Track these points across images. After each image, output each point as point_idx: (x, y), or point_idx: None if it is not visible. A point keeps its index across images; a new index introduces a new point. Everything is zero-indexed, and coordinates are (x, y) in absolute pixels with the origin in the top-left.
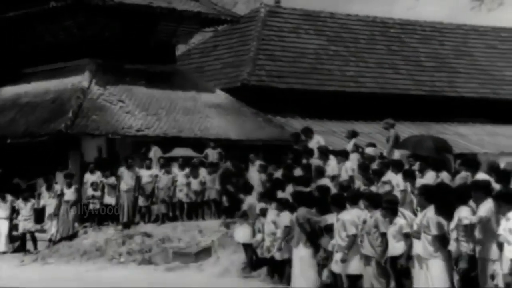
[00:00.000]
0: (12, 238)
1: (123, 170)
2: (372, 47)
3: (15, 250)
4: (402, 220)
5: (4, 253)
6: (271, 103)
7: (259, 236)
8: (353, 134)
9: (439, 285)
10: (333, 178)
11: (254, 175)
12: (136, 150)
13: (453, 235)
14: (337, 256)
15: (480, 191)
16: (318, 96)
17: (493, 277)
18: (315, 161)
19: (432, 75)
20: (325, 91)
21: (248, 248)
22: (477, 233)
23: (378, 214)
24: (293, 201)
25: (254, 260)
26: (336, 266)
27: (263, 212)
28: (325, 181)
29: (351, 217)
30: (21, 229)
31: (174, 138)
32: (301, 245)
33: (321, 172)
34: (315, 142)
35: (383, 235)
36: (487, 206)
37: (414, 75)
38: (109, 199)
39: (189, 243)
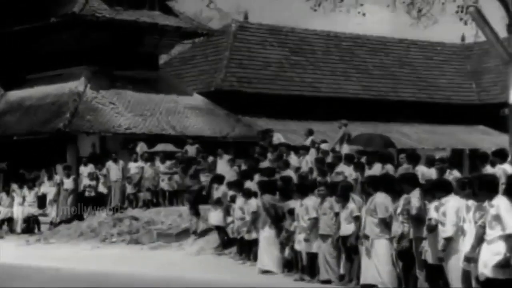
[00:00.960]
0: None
1: (110, 164)
2: (327, 57)
3: (21, 232)
4: (353, 205)
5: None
6: (241, 105)
7: (229, 219)
8: (310, 132)
9: (383, 261)
10: (297, 169)
11: (222, 167)
12: (125, 145)
13: (399, 218)
14: (300, 236)
15: (408, 183)
16: (281, 100)
17: (421, 253)
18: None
19: (378, 81)
20: (287, 95)
21: (221, 230)
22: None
23: (333, 198)
24: (259, 189)
25: (225, 240)
26: (298, 245)
27: (233, 199)
28: (289, 172)
29: (313, 203)
30: (26, 213)
31: (157, 135)
32: (267, 227)
33: (286, 164)
34: (275, 139)
35: (337, 215)
36: (417, 195)
37: (363, 81)
38: (102, 188)
39: (171, 226)
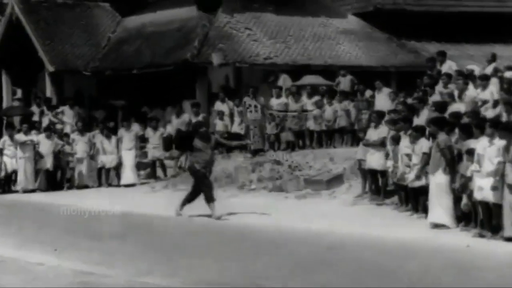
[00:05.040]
0: (142, 165)
1: (248, 100)
2: None
3: (146, 177)
4: None
5: (131, 185)
6: (405, 27)
7: (389, 163)
8: (492, 58)
9: None
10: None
11: (382, 102)
12: (265, 79)
13: None
14: (482, 182)
15: None
16: (455, 18)
17: None
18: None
19: None
20: (462, 12)
21: (382, 175)
22: None
23: None
24: (430, 127)
25: (385, 187)
26: (479, 194)
27: (396, 139)
28: (458, 106)
29: (504, 144)
30: (150, 156)
31: (303, 66)
32: (440, 171)
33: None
34: (446, 67)
35: None
36: None
37: None
38: (238, 128)
39: (320, 171)
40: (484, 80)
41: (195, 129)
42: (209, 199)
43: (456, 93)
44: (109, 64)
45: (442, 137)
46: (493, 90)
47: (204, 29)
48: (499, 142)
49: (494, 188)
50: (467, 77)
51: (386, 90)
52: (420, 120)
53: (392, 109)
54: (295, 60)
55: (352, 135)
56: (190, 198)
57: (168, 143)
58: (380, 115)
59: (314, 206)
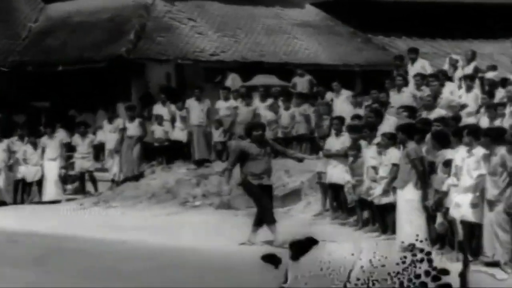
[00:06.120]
0: (69, 178)
1: (191, 102)
2: None
3: (74, 192)
4: None
5: (56, 202)
6: (372, 20)
7: (347, 177)
8: (472, 56)
9: None
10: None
11: (341, 107)
12: (211, 78)
13: None
14: (460, 198)
15: None
16: (429, 10)
17: None
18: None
19: None
20: (438, 3)
21: (344, 190)
22: None
23: (503, 150)
24: (400, 135)
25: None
26: (455, 212)
27: (358, 148)
28: (440, 112)
29: (483, 154)
30: (78, 168)
31: (255, 63)
32: (410, 186)
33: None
34: (419, 67)
35: (510, 175)
36: None
37: None
38: (180, 135)
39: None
40: (469, 80)
41: (249, 132)
42: (268, 221)
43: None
44: (31, 59)
45: (411, 146)
46: (477, 93)
47: (141, 20)
48: (479, 152)
49: (473, 205)
50: (445, 76)
51: (345, 93)
52: (385, 127)
53: (355, 115)
54: (246, 56)
55: (312, 143)
56: (259, 221)
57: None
58: (343, 121)
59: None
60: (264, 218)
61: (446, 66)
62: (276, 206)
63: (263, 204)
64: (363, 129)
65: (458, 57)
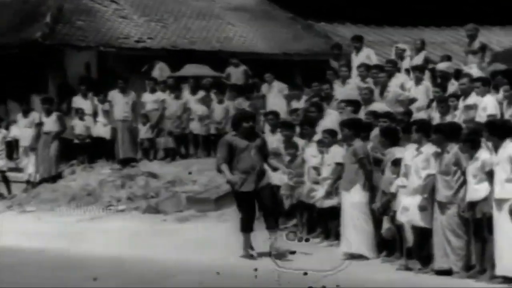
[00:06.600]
0: None
1: (114, 95)
2: None
3: None
4: (486, 154)
5: None
6: (314, 5)
7: (284, 177)
8: (421, 45)
9: None
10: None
11: (274, 100)
12: (136, 67)
13: None
14: (408, 201)
15: None
16: None
17: None
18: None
19: None
20: None
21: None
22: None
23: (456, 148)
24: (346, 131)
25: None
26: (403, 216)
27: (295, 147)
28: (379, 106)
29: (433, 152)
30: None
31: (185, 51)
32: (357, 187)
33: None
34: (364, 56)
35: (463, 172)
36: None
37: None
38: (102, 131)
39: (208, 187)
40: (418, 72)
41: (238, 123)
42: (243, 227)
43: (377, 88)
44: None
45: (358, 143)
46: (428, 85)
47: (58, 1)
48: (428, 150)
49: (421, 208)
50: (394, 67)
51: (277, 85)
52: (326, 122)
53: (293, 109)
54: (175, 44)
55: None
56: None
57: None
58: (278, 116)
59: (197, 232)
60: (240, 224)
61: (392, 57)
62: (209, 210)
63: (241, 210)
64: (303, 125)
65: (405, 46)
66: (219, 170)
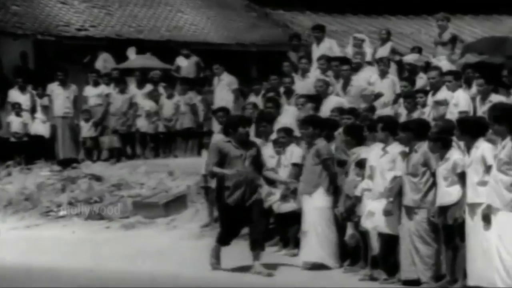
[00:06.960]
0: None
1: (54, 88)
2: None
3: None
4: (457, 155)
5: None
6: None
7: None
8: (387, 35)
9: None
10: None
11: (221, 95)
12: (77, 58)
13: None
14: (373, 205)
15: None
16: None
17: None
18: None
19: None
20: None
21: None
22: None
23: (425, 147)
24: (308, 129)
25: None
26: (368, 222)
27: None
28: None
29: (400, 151)
30: None
31: (131, 41)
32: (321, 191)
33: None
34: (325, 48)
35: (433, 174)
36: None
37: None
38: (41, 128)
39: (156, 190)
40: (383, 64)
41: (234, 127)
42: (219, 239)
43: (338, 82)
44: None
45: (322, 143)
46: (395, 80)
47: None
48: (395, 150)
49: (387, 213)
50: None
51: (227, 78)
52: (284, 119)
53: (249, 103)
54: (120, 32)
55: (199, 140)
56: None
57: None
58: (229, 113)
59: (145, 240)
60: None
61: (349, 48)
62: (158, 216)
63: (222, 224)
64: (260, 122)
65: (363, 36)
66: (213, 175)
